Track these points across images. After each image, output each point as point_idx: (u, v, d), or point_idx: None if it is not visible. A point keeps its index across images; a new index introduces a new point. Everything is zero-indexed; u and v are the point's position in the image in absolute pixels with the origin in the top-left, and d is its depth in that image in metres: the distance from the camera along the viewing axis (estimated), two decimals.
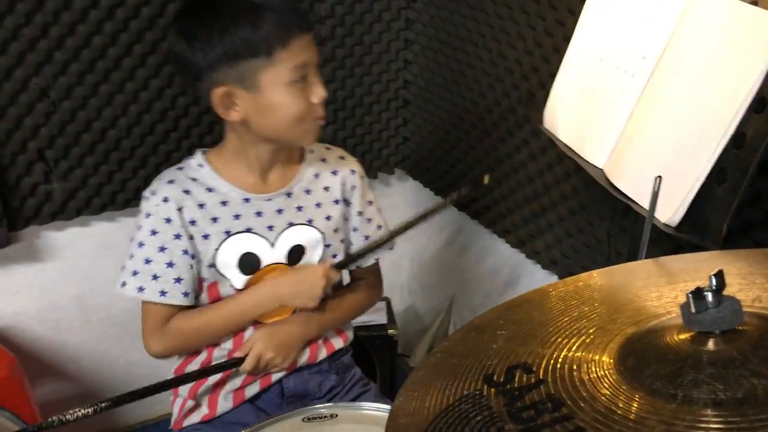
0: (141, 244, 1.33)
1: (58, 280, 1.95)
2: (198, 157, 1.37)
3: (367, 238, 1.48)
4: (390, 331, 2.06)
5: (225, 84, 1.24)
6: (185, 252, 1.33)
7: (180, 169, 1.37)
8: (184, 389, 1.43)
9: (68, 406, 1.19)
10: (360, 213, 1.46)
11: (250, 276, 1.36)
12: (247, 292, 1.37)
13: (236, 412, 1.41)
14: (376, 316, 2.14)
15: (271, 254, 1.36)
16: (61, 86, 1.73)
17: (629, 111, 1.29)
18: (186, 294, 1.34)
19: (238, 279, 1.36)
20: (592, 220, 1.69)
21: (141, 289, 1.33)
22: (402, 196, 2.33)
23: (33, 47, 1.67)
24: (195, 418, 1.42)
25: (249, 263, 1.35)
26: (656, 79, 1.25)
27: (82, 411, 1.21)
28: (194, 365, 1.42)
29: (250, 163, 1.35)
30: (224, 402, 1.41)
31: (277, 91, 1.24)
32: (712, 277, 0.68)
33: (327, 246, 1.42)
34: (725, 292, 0.71)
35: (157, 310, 1.35)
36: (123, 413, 2.13)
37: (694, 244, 1.16)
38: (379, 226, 1.51)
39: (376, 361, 1.58)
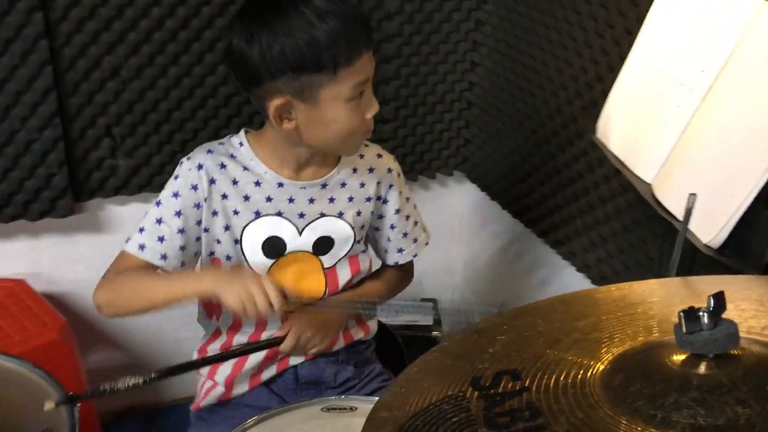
0: (158, 203, 1.34)
1: (117, 252, 2.01)
2: (240, 136, 1.38)
3: (405, 235, 1.48)
4: (434, 333, 2.05)
5: (283, 94, 1.23)
6: (198, 223, 1.34)
7: (221, 144, 1.38)
8: (205, 369, 1.45)
9: (116, 374, 1.21)
10: (398, 211, 1.46)
11: (274, 261, 1.37)
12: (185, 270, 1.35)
13: (251, 395, 1.42)
14: (421, 317, 2.13)
15: (298, 242, 1.37)
16: (132, 66, 1.78)
17: (683, 126, 1.24)
18: (183, 264, 1.34)
19: (262, 262, 1.36)
20: (645, 237, 1.63)
21: (142, 247, 1.32)
22: (458, 199, 2.30)
23: (108, 27, 1.73)
24: (211, 399, 1.44)
25: (274, 247, 1.36)
26: (713, 94, 1.20)
27: (122, 384, 1.19)
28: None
29: (286, 159, 1.35)
30: (239, 384, 1.43)
31: (335, 107, 1.24)
32: (711, 298, 0.65)
33: (357, 242, 1.42)
34: (735, 318, 0.68)
35: (135, 262, 1.32)
36: (155, 390, 2.17)
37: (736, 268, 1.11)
38: (416, 222, 1.51)
39: (407, 360, 1.57)
